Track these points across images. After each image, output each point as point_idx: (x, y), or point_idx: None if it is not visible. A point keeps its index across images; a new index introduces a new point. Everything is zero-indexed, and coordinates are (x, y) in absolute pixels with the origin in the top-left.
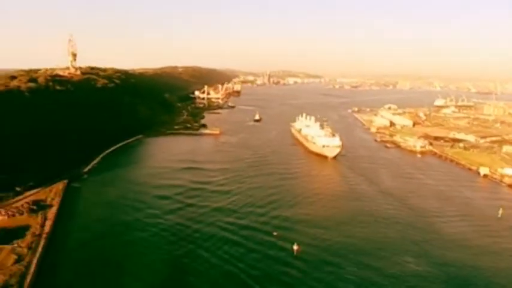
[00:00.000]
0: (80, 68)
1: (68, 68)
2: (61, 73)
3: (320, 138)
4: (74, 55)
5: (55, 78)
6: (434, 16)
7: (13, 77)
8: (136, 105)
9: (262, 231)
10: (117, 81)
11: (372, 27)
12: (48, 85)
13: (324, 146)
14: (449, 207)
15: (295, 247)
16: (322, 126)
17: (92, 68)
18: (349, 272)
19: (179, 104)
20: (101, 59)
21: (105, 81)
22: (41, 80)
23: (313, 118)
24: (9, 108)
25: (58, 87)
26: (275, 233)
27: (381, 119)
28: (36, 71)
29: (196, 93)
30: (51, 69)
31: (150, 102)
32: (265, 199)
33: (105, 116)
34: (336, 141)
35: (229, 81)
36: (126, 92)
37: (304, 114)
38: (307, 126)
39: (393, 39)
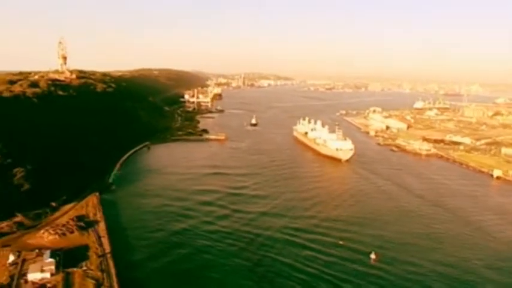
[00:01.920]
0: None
1: (62, 72)
2: (57, 77)
3: (333, 142)
4: (65, 58)
5: (56, 83)
6: (399, 19)
7: (12, 82)
8: (138, 110)
9: (320, 233)
10: (113, 85)
11: (336, 28)
12: (51, 90)
13: (337, 149)
14: (481, 206)
15: (372, 256)
16: (333, 130)
17: (80, 71)
18: (429, 269)
19: (167, 108)
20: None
21: (104, 85)
22: (42, 84)
23: (319, 122)
24: (20, 116)
25: (60, 92)
26: (341, 242)
27: (377, 123)
28: (27, 74)
29: (186, 96)
30: (44, 72)
31: (146, 107)
32: (305, 202)
33: (113, 122)
34: (349, 144)
35: (203, 84)
36: (124, 97)
37: (307, 118)
38: (313, 129)
39: (360, 41)
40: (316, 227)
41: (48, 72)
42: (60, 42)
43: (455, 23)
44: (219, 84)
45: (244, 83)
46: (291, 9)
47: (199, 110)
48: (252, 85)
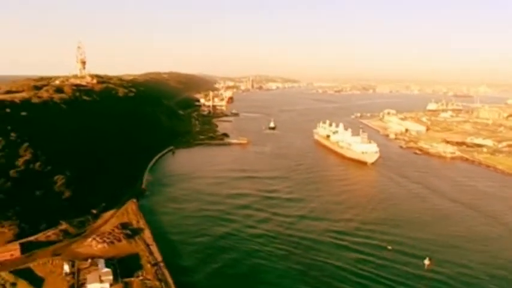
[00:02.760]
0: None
1: (82, 77)
2: (78, 82)
3: (358, 145)
4: (83, 63)
5: (79, 88)
6: (402, 20)
7: (37, 87)
8: (158, 114)
9: (363, 236)
10: (133, 90)
11: (340, 29)
12: (76, 95)
13: (363, 152)
14: None
15: (426, 261)
16: (355, 133)
17: (97, 76)
18: (483, 272)
19: (182, 112)
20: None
21: (125, 90)
22: (66, 90)
23: (341, 125)
24: (51, 122)
25: (85, 98)
26: (389, 247)
27: (395, 125)
28: (48, 79)
29: (202, 100)
30: (64, 77)
31: (165, 111)
32: (340, 205)
33: (136, 127)
34: (374, 147)
35: (212, 87)
36: (143, 101)
37: (327, 121)
38: (335, 132)
39: (364, 41)
40: (357, 230)
41: (67, 77)
42: (78, 47)
43: (456, 24)
44: (228, 87)
45: (252, 86)
46: (293, 10)
47: (215, 113)
48: (261, 88)
